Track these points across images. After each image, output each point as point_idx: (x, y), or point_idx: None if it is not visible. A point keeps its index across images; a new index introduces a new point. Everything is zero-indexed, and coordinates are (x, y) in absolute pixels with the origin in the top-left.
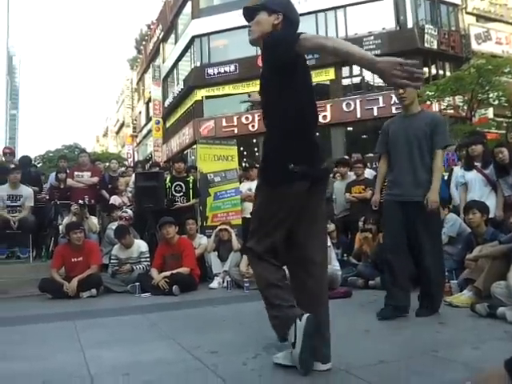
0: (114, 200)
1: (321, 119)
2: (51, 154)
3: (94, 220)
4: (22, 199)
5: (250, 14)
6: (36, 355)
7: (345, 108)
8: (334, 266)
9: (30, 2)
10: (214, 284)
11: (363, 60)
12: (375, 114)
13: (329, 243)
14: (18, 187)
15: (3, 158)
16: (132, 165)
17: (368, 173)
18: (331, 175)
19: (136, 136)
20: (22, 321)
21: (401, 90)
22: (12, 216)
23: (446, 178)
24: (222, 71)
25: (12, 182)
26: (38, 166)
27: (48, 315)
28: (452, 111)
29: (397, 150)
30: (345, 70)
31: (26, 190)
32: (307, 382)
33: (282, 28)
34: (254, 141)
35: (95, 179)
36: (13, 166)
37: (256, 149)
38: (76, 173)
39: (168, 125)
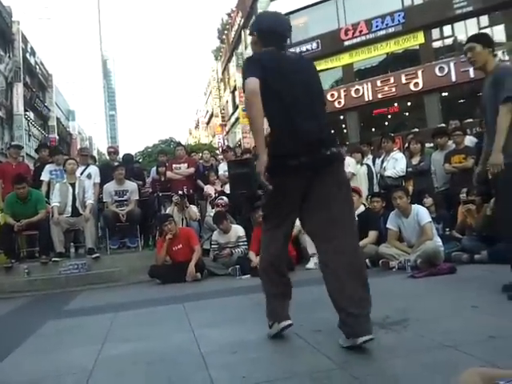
0: (208, 189)
1: (412, 87)
2: (149, 150)
3: (194, 208)
4: (127, 194)
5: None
6: (153, 336)
7: (438, 72)
8: (436, 241)
9: (115, 7)
10: (311, 265)
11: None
12: (472, 75)
13: (429, 219)
14: (123, 183)
15: (108, 157)
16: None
17: (468, 140)
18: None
19: (225, 125)
20: (137, 305)
21: (469, 54)
22: (120, 210)
23: None
24: (304, 49)
25: (118, 179)
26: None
27: (159, 299)
28: None
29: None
30: (435, 32)
31: (131, 185)
32: (414, 360)
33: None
34: (341, 117)
35: (192, 170)
36: (117, 163)
37: (344, 125)
38: (174, 165)
39: None
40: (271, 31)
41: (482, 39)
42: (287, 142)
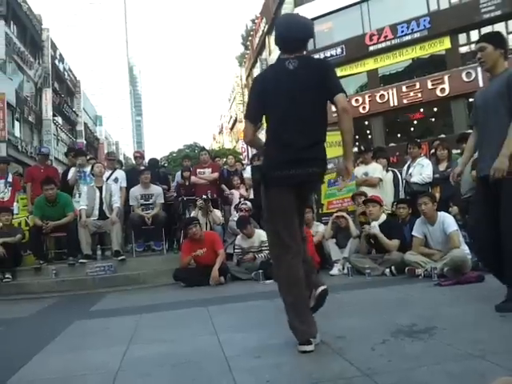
0: (233, 194)
1: (438, 92)
2: (174, 154)
3: (218, 213)
4: (153, 197)
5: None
6: (177, 338)
7: (465, 78)
8: (464, 249)
9: (141, 13)
10: (334, 271)
11: None
12: None
13: (455, 227)
14: (149, 187)
15: (134, 162)
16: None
17: None
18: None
19: None
20: (161, 307)
21: (479, 54)
22: (146, 213)
23: None
24: (329, 55)
25: (143, 183)
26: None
27: (183, 302)
28: None
29: (479, 120)
30: (461, 37)
31: (156, 189)
32: (440, 369)
33: None
34: (366, 123)
35: (216, 175)
36: (142, 167)
37: (368, 131)
38: (198, 170)
39: None
40: (281, 38)
41: (495, 39)
42: (274, 155)
